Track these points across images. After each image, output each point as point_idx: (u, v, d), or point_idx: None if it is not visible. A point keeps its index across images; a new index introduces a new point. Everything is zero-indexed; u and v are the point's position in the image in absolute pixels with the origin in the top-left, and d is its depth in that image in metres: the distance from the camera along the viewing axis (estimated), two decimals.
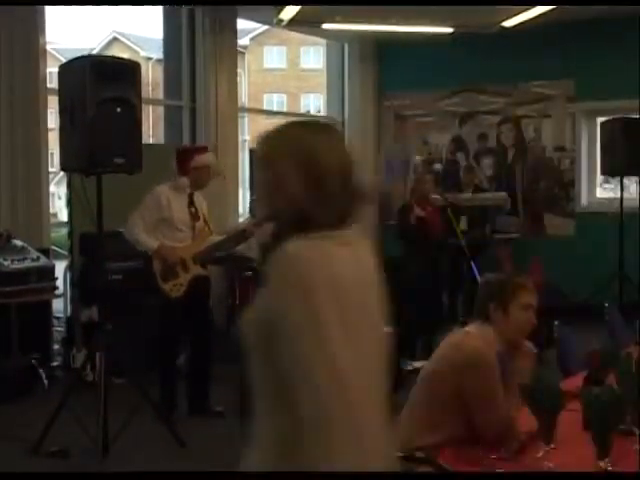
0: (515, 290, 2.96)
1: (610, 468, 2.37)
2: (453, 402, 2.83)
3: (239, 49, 11.06)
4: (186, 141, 8.73)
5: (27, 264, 6.38)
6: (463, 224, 8.64)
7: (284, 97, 34.96)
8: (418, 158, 10.89)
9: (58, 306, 7.35)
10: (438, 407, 2.85)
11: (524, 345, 3.02)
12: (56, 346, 7.10)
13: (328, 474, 1.54)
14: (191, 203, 5.67)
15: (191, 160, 5.61)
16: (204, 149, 6.11)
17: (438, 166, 10.48)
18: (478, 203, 9.78)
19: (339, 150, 1.81)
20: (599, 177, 10.08)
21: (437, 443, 2.74)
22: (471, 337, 2.90)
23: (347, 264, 1.71)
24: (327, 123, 1.95)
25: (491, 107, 10.46)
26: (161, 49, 9.84)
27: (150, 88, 25.89)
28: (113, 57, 5.72)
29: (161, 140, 12.88)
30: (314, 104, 32.97)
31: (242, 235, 5.80)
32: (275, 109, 34.38)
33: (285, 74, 35.29)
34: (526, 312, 2.96)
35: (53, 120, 5.85)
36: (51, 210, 8.60)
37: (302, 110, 32.88)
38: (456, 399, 2.82)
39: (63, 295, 7.09)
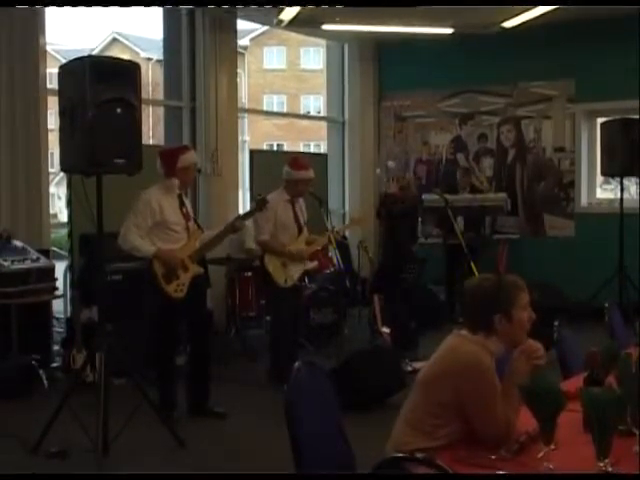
0: (515, 295, 2.90)
1: (610, 469, 2.37)
2: (451, 407, 2.81)
3: (239, 49, 11.06)
4: (186, 141, 8.73)
5: (27, 264, 6.38)
6: (460, 224, 8.68)
7: (284, 98, 34.96)
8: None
9: (58, 307, 7.36)
10: (436, 412, 2.84)
11: (527, 343, 2.97)
12: (56, 347, 7.10)
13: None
14: (182, 204, 5.67)
15: (177, 161, 5.61)
16: (187, 148, 6.11)
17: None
18: (478, 204, 9.81)
19: None
20: (599, 178, 10.08)
21: (435, 447, 2.73)
22: (468, 341, 2.88)
23: None
24: None
25: (491, 107, 10.47)
26: (161, 49, 9.84)
27: (150, 88, 25.91)
28: (113, 58, 5.71)
29: (161, 140, 12.88)
30: (314, 105, 32.98)
31: (230, 228, 5.81)
32: (275, 110, 34.42)
33: (285, 75, 35.30)
34: (526, 311, 2.94)
35: (53, 120, 5.85)
36: (51, 210, 8.61)
37: (302, 111, 32.90)
38: (454, 404, 2.81)
39: (63, 296, 7.09)
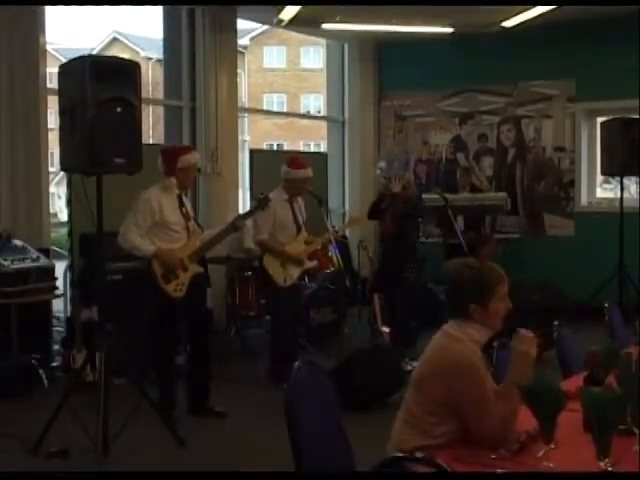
0: (494, 287, 2.91)
1: (610, 468, 2.37)
2: (446, 406, 2.82)
3: (239, 49, 11.06)
4: (186, 141, 8.74)
5: (27, 264, 6.38)
6: (460, 224, 8.68)
7: (284, 97, 34.96)
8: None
9: (58, 306, 7.36)
10: (432, 410, 2.84)
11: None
12: (56, 346, 7.10)
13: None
14: (181, 203, 5.67)
15: (177, 161, 5.61)
16: (189, 149, 6.11)
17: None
18: (478, 203, 9.80)
19: None
20: (599, 177, 10.08)
21: (433, 445, 2.74)
22: (456, 340, 2.88)
23: None
24: None
25: (491, 107, 10.47)
26: (161, 49, 9.84)
27: (150, 88, 25.91)
28: (113, 57, 5.72)
29: (161, 140, 12.89)
30: (314, 104, 32.98)
31: (231, 227, 5.81)
32: (275, 109, 34.42)
33: (285, 74, 35.30)
34: (504, 301, 2.94)
35: (53, 120, 5.85)
36: (51, 210, 8.60)
37: (302, 110, 32.89)
38: (448, 403, 2.81)
39: (63, 295, 7.09)
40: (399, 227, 7.79)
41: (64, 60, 5.54)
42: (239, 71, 9.83)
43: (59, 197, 23.32)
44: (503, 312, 2.94)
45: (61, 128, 4.88)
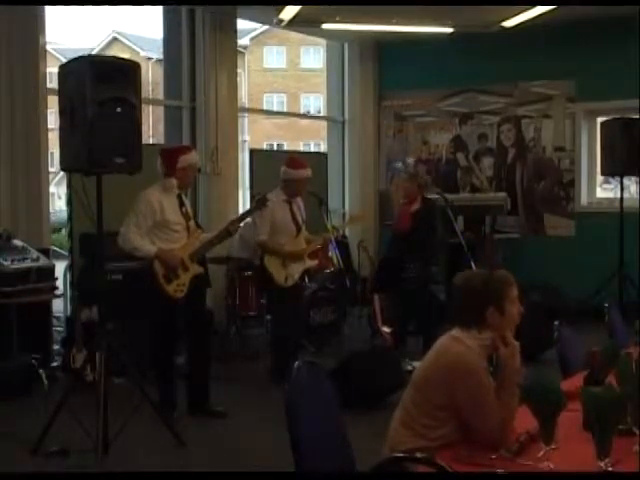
0: (505, 288, 2.93)
1: (610, 468, 2.37)
2: (445, 409, 2.82)
3: (239, 49, 11.07)
4: (186, 141, 8.73)
5: (27, 264, 6.38)
6: (460, 224, 8.68)
7: (284, 97, 34.97)
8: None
9: (58, 306, 7.36)
10: (430, 413, 2.84)
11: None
12: (56, 346, 7.10)
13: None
14: (181, 203, 5.67)
15: (177, 161, 5.60)
16: (188, 148, 6.10)
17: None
18: (478, 203, 9.81)
19: None
20: (599, 177, 10.08)
21: (429, 447, 2.74)
22: (458, 342, 2.89)
23: None
24: None
25: (491, 107, 10.47)
26: (161, 49, 9.83)
27: (150, 88, 25.92)
28: (113, 57, 5.71)
29: (161, 140, 12.89)
30: (314, 104, 32.99)
31: (225, 233, 5.81)
32: (275, 109, 34.43)
33: (285, 74, 35.31)
34: (516, 304, 2.95)
35: (53, 120, 5.85)
36: (51, 210, 8.60)
37: (302, 110, 32.90)
38: (448, 406, 2.81)
39: (63, 295, 7.09)
40: (411, 226, 7.66)
41: (64, 60, 5.53)
42: (239, 71, 9.83)
43: (59, 197, 23.33)
44: (517, 316, 2.95)
45: (61, 128, 4.88)
